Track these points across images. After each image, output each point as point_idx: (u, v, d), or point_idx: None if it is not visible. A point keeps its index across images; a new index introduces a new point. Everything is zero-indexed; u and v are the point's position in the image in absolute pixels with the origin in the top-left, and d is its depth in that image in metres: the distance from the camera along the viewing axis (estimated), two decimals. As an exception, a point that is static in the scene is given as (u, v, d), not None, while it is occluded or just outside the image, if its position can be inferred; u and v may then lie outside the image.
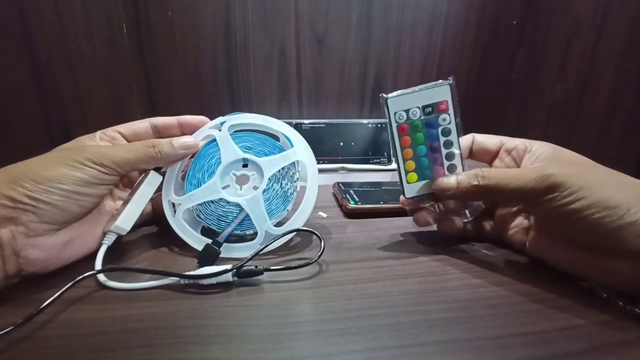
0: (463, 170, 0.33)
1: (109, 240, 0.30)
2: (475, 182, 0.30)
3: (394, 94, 0.32)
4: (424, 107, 0.32)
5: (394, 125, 0.32)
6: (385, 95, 0.32)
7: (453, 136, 0.33)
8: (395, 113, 0.32)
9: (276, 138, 0.36)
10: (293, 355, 0.22)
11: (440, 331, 0.24)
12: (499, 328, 0.24)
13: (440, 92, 0.32)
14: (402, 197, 0.34)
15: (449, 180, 0.31)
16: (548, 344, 0.23)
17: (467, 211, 0.35)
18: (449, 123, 0.32)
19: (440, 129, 0.32)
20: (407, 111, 0.32)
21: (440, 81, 0.32)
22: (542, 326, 0.25)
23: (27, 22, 0.55)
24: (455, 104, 0.32)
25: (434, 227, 0.38)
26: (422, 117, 0.32)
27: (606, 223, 0.25)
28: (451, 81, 0.32)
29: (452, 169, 0.33)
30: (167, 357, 0.22)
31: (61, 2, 0.56)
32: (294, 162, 0.34)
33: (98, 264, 0.29)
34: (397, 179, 0.34)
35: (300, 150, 0.34)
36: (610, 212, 0.24)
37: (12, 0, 0.54)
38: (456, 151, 0.33)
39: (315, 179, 0.34)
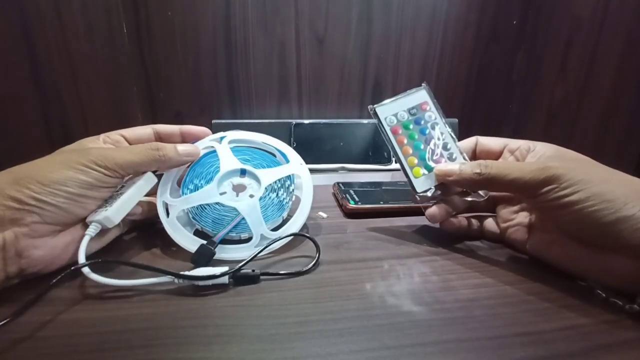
0: (463, 158, 0.35)
1: (92, 231, 0.28)
2: (478, 170, 0.30)
3: (380, 103, 0.36)
4: (409, 109, 0.36)
5: (387, 128, 0.35)
6: (372, 106, 0.35)
7: (442, 128, 0.36)
8: (385, 118, 0.35)
9: (273, 155, 0.38)
10: (293, 355, 0.22)
11: (440, 331, 0.24)
12: (499, 328, 0.24)
13: (419, 95, 0.36)
14: (414, 195, 0.35)
15: (452, 166, 0.33)
16: (548, 344, 0.23)
17: (480, 191, 0.35)
18: (435, 118, 0.36)
19: (429, 124, 0.36)
20: (395, 115, 0.36)
21: (416, 88, 0.36)
22: (542, 326, 0.25)
23: (27, 22, 0.55)
24: (436, 103, 0.36)
25: (435, 227, 0.38)
26: (410, 118, 0.36)
27: (603, 216, 0.25)
28: (425, 85, 0.36)
29: (451, 158, 0.35)
30: (167, 357, 0.22)
31: (61, 2, 0.56)
32: (290, 175, 0.36)
33: (81, 256, 0.27)
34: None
35: (296, 165, 0.36)
36: (607, 204, 0.25)
37: (12, 0, 0.54)
38: (451, 141, 0.35)
39: (309, 191, 0.36)
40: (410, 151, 0.35)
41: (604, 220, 0.25)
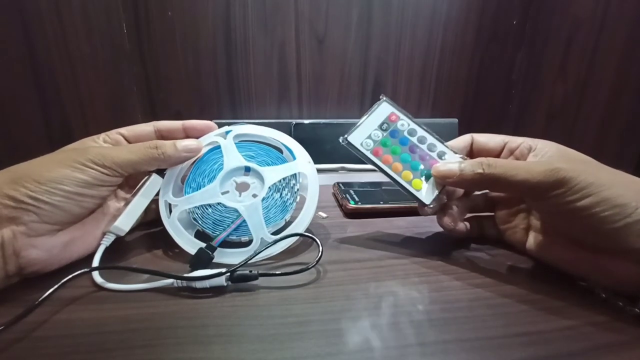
0: (453, 154, 0.33)
1: (107, 241, 0.30)
2: (480, 170, 0.29)
3: (349, 132, 0.34)
4: (380, 125, 0.34)
5: (368, 152, 0.33)
6: (343, 137, 0.34)
7: (421, 131, 0.34)
8: (361, 144, 0.34)
9: (279, 150, 0.36)
10: (293, 355, 0.22)
11: (440, 331, 0.24)
12: (499, 328, 0.24)
13: (383, 109, 0.34)
14: (424, 209, 0.33)
15: (452, 167, 0.30)
16: (548, 344, 0.23)
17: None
18: (409, 125, 0.34)
19: (405, 132, 0.34)
20: (369, 137, 0.34)
21: (376, 103, 0.35)
22: (542, 326, 0.25)
23: (28, 22, 0.55)
24: (403, 110, 0.35)
25: (434, 228, 0.38)
26: (385, 134, 0.34)
27: (613, 221, 0.24)
28: (384, 97, 0.35)
29: (442, 156, 0.33)
30: (167, 357, 0.22)
31: (61, 2, 0.56)
32: (295, 174, 0.35)
33: (96, 264, 0.29)
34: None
35: (303, 163, 0.35)
36: (618, 210, 0.24)
37: (12, 0, 0.54)
38: (434, 141, 0.34)
39: (315, 192, 0.34)
40: (401, 167, 0.33)
41: (613, 226, 0.24)
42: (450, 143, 0.34)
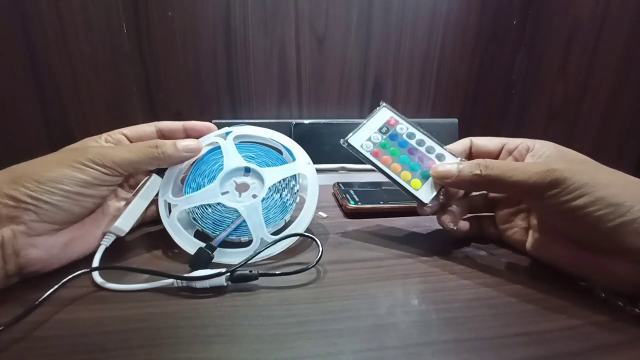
0: (452, 156, 0.33)
1: (107, 241, 0.30)
2: (478, 172, 0.29)
3: (350, 134, 0.35)
4: (380, 129, 0.35)
5: (368, 154, 0.34)
6: (344, 139, 0.34)
7: (420, 135, 0.35)
8: (361, 146, 0.34)
9: (279, 151, 0.36)
10: (293, 355, 0.22)
11: (440, 331, 0.24)
12: (499, 328, 0.24)
13: (383, 114, 0.36)
14: (423, 208, 0.33)
15: (450, 168, 0.31)
16: (548, 344, 0.23)
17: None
18: (408, 128, 0.35)
19: (404, 135, 0.35)
20: (369, 139, 0.35)
21: (377, 109, 0.36)
22: (542, 326, 0.25)
23: (28, 22, 0.55)
24: (402, 115, 0.36)
25: (434, 228, 0.38)
26: (385, 137, 0.35)
27: (609, 220, 0.24)
28: (384, 104, 0.36)
29: (441, 158, 0.34)
30: (167, 357, 0.22)
31: (61, 2, 0.56)
32: (295, 175, 0.35)
33: (96, 264, 0.29)
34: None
35: (302, 164, 0.35)
36: (613, 209, 0.24)
37: (12, 0, 0.54)
38: (433, 143, 0.34)
39: (315, 192, 0.34)
40: (400, 168, 0.34)
41: (608, 225, 0.24)
42: (450, 147, 0.35)
